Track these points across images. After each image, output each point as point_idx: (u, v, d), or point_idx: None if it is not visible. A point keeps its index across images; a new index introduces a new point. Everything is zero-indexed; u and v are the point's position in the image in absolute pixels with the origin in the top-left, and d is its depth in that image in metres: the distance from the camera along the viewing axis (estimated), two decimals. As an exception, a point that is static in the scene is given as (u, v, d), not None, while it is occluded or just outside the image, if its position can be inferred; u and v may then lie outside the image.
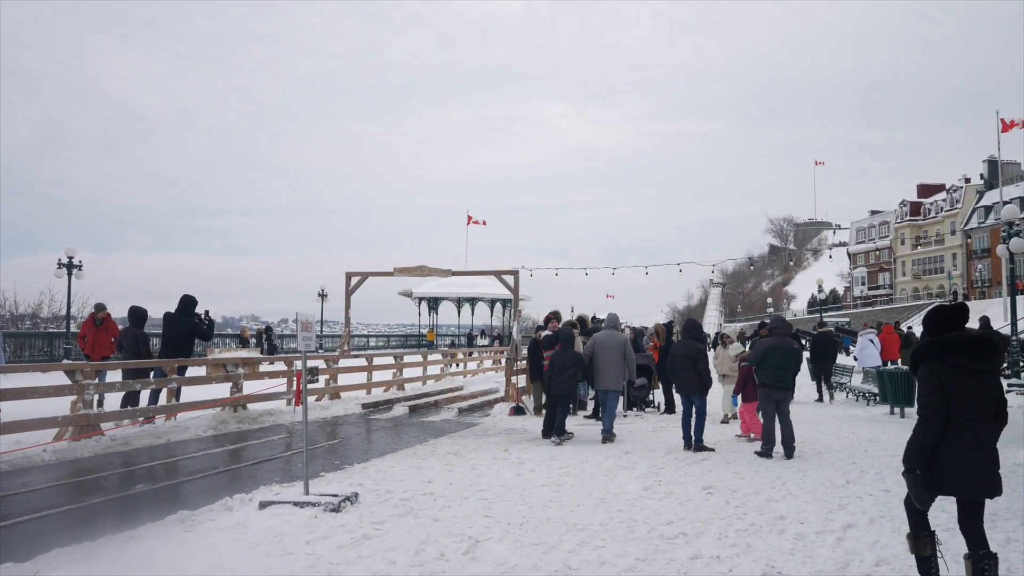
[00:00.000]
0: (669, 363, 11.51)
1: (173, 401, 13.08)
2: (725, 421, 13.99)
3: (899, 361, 22.19)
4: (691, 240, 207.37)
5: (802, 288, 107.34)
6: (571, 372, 11.85)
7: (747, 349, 13.81)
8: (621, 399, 16.21)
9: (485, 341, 43.26)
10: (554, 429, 11.56)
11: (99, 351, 13.14)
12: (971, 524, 4.50)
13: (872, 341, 19.75)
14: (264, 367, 16.06)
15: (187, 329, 13.46)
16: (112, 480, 8.60)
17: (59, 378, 11.80)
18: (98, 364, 12.19)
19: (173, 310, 13.58)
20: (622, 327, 19.62)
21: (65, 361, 22.65)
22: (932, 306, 5.16)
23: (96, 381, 11.18)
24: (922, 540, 4.58)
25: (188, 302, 13.67)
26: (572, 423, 14.01)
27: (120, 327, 13.96)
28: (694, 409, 10.74)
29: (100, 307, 13.91)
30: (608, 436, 11.49)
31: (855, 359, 21.97)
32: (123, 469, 9.21)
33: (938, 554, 4.58)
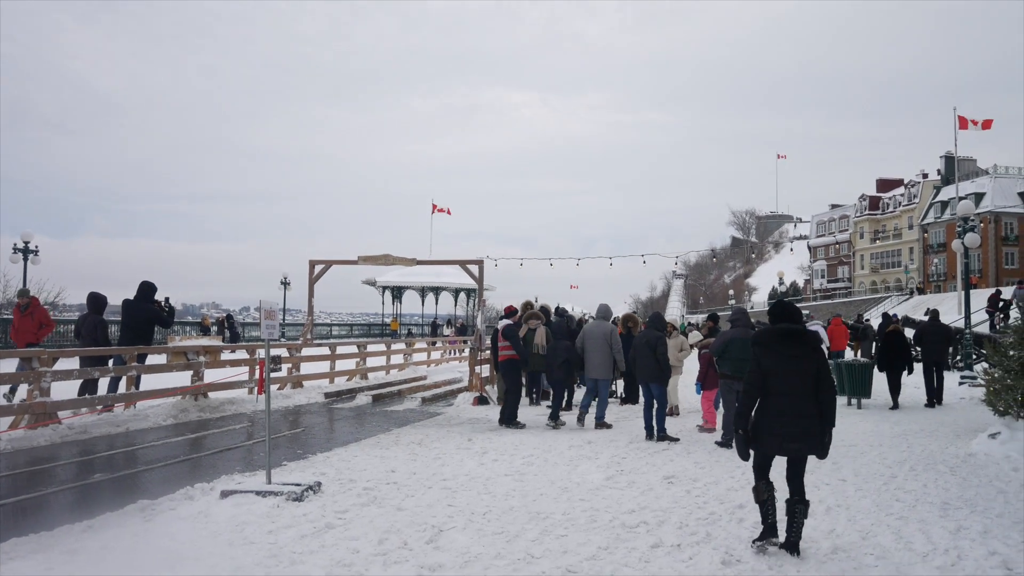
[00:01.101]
0: (632, 353, 11.61)
1: (133, 389, 12.90)
2: (672, 413, 13.60)
3: (844, 352, 22.71)
4: (655, 230, 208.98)
5: (763, 280, 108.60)
6: (563, 360, 12.60)
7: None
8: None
9: (450, 331, 43.22)
10: (551, 415, 12.35)
11: (24, 337, 12.80)
12: (793, 477, 5.60)
13: (819, 331, 20.12)
14: (226, 355, 15.91)
15: (146, 316, 13.23)
16: (70, 469, 8.48)
17: (14, 365, 11.59)
18: (23, 352, 11.80)
19: (132, 297, 13.35)
20: (585, 317, 19.73)
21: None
22: (775, 301, 6.24)
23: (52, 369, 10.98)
24: (760, 488, 5.66)
25: (147, 288, 13.44)
26: (536, 412, 14.08)
27: (79, 314, 13.72)
28: (654, 399, 10.86)
29: (24, 293, 13.89)
30: (601, 423, 12.06)
31: None
32: (81, 458, 9.08)
33: (774, 499, 5.65)
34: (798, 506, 5.49)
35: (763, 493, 5.63)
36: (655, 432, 10.72)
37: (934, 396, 15.65)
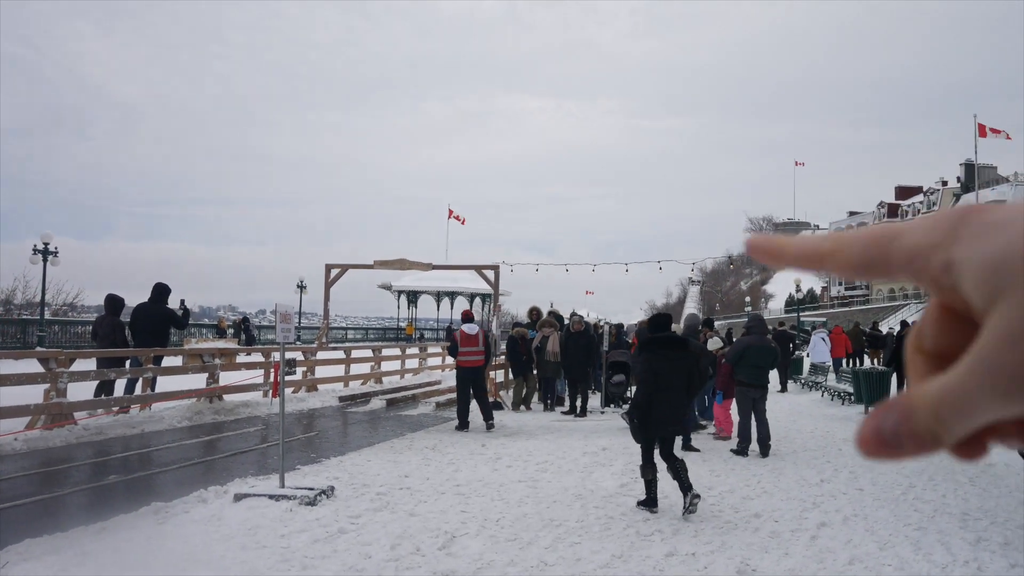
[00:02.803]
0: None
1: (148, 391, 12.95)
2: None
3: (843, 360, 24.01)
4: (671, 237, 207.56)
5: (780, 287, 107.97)
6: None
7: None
8: (599, 395, 16.28)
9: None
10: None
11: None
12: (666, 450, 6.93)
13: (823, 339, 21.68)
14: (241, 358, 15.96)
15: (160, 318, 13.28)
16: (85, 470, 8.51)
17: (32, 366, 11.65)
18: (42, 352, 11.80)
19: (146, 300, 13.40)
20: (600, 323, 19.68)
21: (39, 349, 22.39)
22: (654, 314, 8.26)
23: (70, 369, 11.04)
24: (648, 468, 6.89)
25: (161, 290, 13.49)
26: (550, 418, 14.05)
27: (96, 315, 13.78)
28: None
29: None
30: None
31: (807, 355, 24.11)
32: (96, 459, 9.11)
33: (657, 479, 6.87)
34: (677, 463, 6.80)
35: (650, 472, 6.89)
36: (682, 441, 10.54)
37: None
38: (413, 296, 46.42)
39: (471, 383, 12.56)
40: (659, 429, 6.92)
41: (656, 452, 6.97)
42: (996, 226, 0.34)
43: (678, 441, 10.68)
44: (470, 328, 12.82)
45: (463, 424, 12.31)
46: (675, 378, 6.90)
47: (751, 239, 0.42)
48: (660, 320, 7.72)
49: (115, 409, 11.88)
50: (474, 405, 12.47)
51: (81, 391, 11.87)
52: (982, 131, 40.08)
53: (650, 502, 6.88)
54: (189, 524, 6.04)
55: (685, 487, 6.66)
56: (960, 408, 0.34)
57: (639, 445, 7.02)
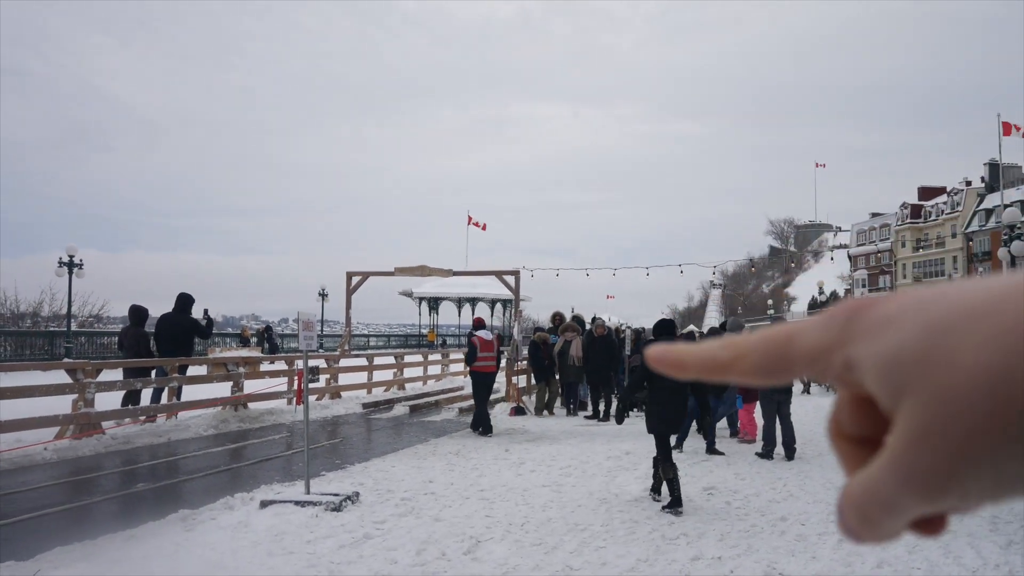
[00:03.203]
0: None
1: (174, 400, 13.07)
2: None
3: None
4: (691, 242, 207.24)
5: (803, 290, 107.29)
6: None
7: None
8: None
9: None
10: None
11: None
12: (662, 450, 7.30)
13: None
14: (265, 366, 16.07)
15: (185, 327, 13.40)
16: (113, 479, 8.60)
17: (60, 376, 11.80)
18: (69, 363, 11.96)
19: (170, 310, 13.53)
20: (622, 327, 19.63)
21: (66, 360, 22.65)
22: (658, 320, 8.63)
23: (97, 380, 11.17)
24: (668, 466, 7.14)
25: (185, 300, 13.61)
26: (573, 423, 14.03)
27: (122, 326, 13.93)
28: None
29: None
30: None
31: None
32: (124, 468, 9.21)
33: (678, 477, 7.11)
34: (665, 465, 7.25)
35: (671, 471, 7.09)
36: (706, 445, 10.49)
37: None
38: (434, 303, 46.45)
39: (488, 388, 12.72)
40: (653, 427, 7.43)
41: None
42: (886, 322, 0.34)
43: (696, 444, 10.69)
44: (486, 334, 12.94)
45: (487, 428, 12.35)
46: (670, 380, 6.89)
47: (650, 352, 0.41)
48: (664, 325, 8.44)
49: (142, 418, 12.00)
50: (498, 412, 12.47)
51: (108, 401, 12.01)
52: (1007, 129, 39.52)
53: (675, 502, 6.92)
54: (216, 531, 6.08)
55: (671, 501, 6.97)
56: (883, 508, 0.34)
57: (655, 441, 7.43)
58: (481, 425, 12.38)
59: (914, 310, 0.33)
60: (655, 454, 7.52)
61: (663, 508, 6.98)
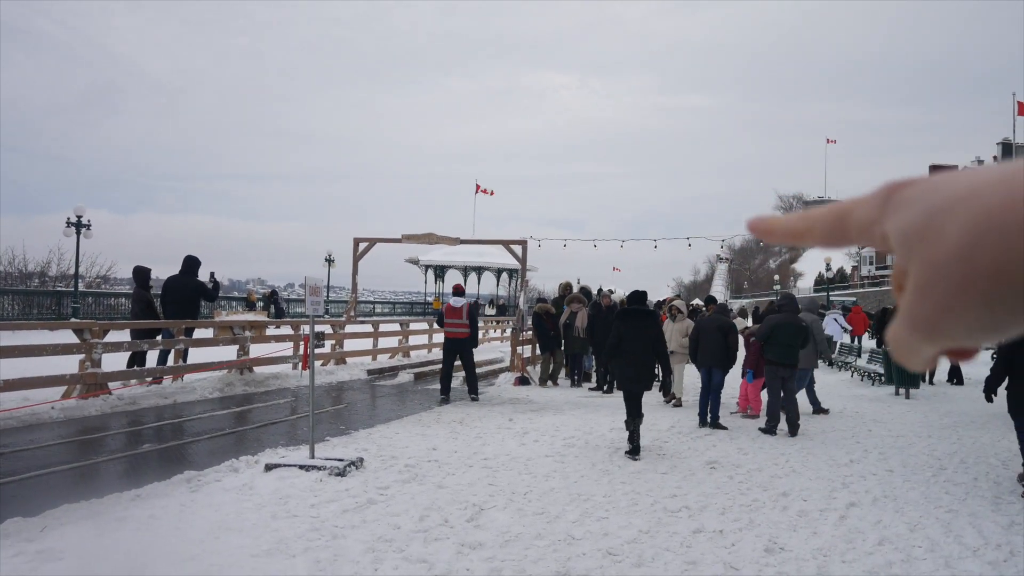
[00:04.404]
0: (694, 335, 11.35)
1: (180, 362, 13.12)
2: (678, 404, 12.62)
3: (862, 337, 26.42)
4: (699, 216, 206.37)
5: (810, 266, 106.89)
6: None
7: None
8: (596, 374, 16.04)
9: (492, 311, 43.22)
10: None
11: None
12: (633, 407, 8.36)
13: (836, 320, 23.03)
14: (271, 331, 16.11)
15: (191, 290, 13.40)
16: (119, 439, 8.66)
17: (67, 336, 11.86)
18: (77, 323, 11.98)
19: (176, 272, 13.53)
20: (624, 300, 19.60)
21: (73, 320, 22.74)
22: (632, 291, 9.52)
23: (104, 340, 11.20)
24: (629, 422, 8.35)
25: (192, 263, 13.60)
26: (578, 394, 14.06)
27: (131, 288, 13.91)
28: (712, 384, 10.65)
29: None
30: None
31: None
32: (130, 428, 9.27)
33: (639, 430, 8.34)
34: (636, 420, 8.31)
35: (631, 425, 8.33)
36: (709, 419, 10.53)
37: (954, 375, 17.89)
38: (440, 271, 46.45)
39: (455, 354, 13.00)
40: (624, 385, 8.57)
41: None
42: (907, 202, 0.42)
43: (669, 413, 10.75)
44: (456, 301, 13.14)
45: (445, 392, 12.73)
46: (639, 343, 8.50)
47: (751, 219, 0.51)
48: (637, 295, 9.37)
49: (148, 380, 12.06)
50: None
51: (115, 362, 12.08)
52: (1021, 109, 39.14)
53: (633, 451, 8.18)
54: (221, 493, 6.12)
55: (632, 441, 8.27)
56: (903, 346, 0.43)
57: (624, 397, 8.59)
58: (442, 389, 12.82)
59: (927, 192, 0.41)
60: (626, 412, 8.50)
61: (625, 452, 8.22)
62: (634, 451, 8.17)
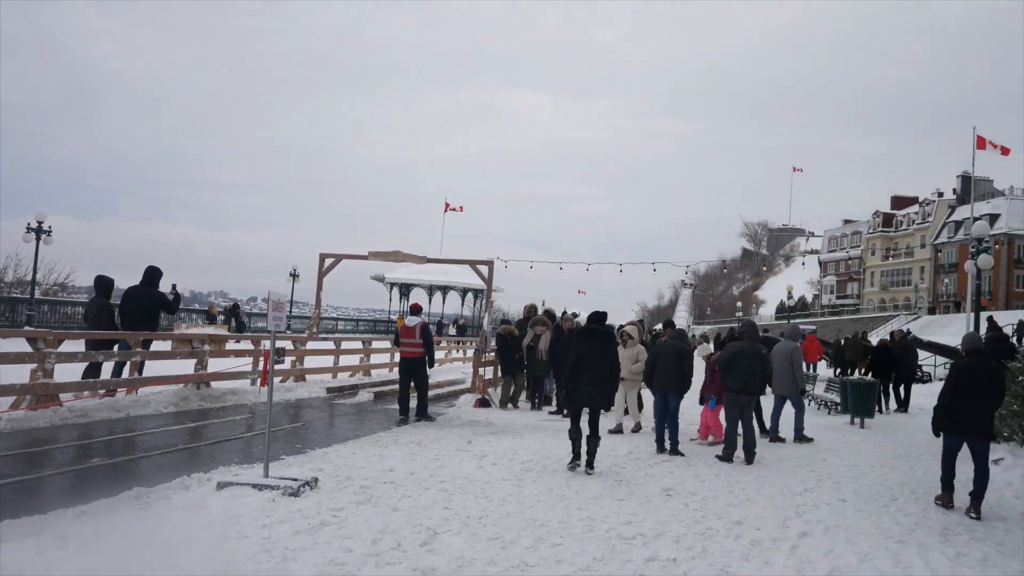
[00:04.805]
0: (651, 360, 11.33)
1: (136, 375, 12.89)
2: (637, 429, 12.57)
3: (817, 365, 27.52)
4: (665, 240, 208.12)
5: (772, 294, 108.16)
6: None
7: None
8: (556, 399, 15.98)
9: (454, 331, 43.10)
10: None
11: None
12: (592, 423, 8.80)
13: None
14: (231, 345, 15.91)
15: (151, 302, 13.14)
16: (68, 452, 8.48)
17: (20, 345, 11.61)
18: (29, 332, 11.80)
19: (137, 283, 13.27)
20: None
21: (27, 328, 22.26)
22: (592, 312, 9.44)
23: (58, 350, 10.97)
24: (572, 431, 8.91)
25: (153, 273, 13.32)
26: (538, 417, 14.03)
27: (88, 296, 13.68)
28: (668, 410, 10.62)
29: None
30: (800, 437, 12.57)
31: None
32: (80, 442, 9.08)
33: (581, 438, 8.85)
34: (592, 439, 8.75)
35: (574, 434, 8.88)
36: (669, 446, 10.50)
37: (901, 404, 18.94)
38: (406, 289, 46.26)
39: (410, 374, 12.84)
40: (583, 401, 8.86)
41: (585, 421, 8.87)
42: None
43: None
44: (410, 320, 12.95)
45: (403, 413, 12.58)
46: (598, 363, 8.83)
47: None
48: (597, 315, 9.37)
49: (102, 392, 11.84)
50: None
51: (69, 372, 11.83)
52: (981, 143, 40.00)
53: (575, 457, 8.82)
54: (171, 511, 6.01)
55: (588, 462, 8.71)
56: None
57: (571, 415, 9.13)
58: (400, 409, 12.66)
59: None
60: (570, 427, 9.01)
61: (567, 464, 8.81)
62: (574, 459, 8.81)
